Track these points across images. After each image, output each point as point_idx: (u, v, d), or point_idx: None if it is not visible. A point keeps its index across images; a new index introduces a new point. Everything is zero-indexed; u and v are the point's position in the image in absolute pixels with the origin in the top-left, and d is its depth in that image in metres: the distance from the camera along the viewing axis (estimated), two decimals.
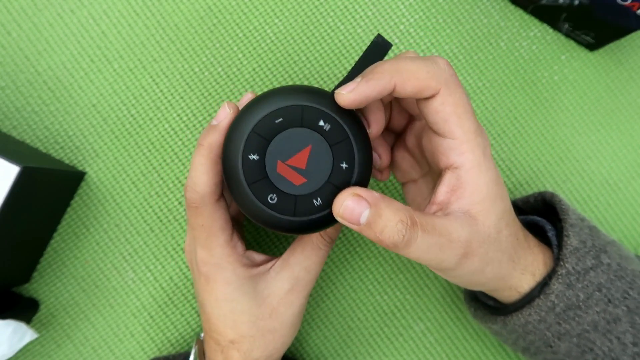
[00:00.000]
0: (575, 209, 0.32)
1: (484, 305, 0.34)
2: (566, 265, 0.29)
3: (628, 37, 0.41)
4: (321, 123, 0.26)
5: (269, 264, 0.31)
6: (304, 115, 0.26)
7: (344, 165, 0.26)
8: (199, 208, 0.29)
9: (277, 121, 0.26)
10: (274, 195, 0.26)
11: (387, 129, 0.33)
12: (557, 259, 0.29)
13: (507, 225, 0.27)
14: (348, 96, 0.25)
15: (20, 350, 0.37)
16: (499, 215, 0.27)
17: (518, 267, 0.29)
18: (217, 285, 0.30)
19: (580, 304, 0.29)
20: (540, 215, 0.34)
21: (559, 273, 0.28)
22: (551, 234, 0.31)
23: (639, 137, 0.41)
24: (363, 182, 0.27)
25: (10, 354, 0.32)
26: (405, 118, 0.32)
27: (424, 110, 0.26)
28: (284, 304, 0.30)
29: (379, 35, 0.27)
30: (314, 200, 0.26)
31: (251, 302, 0.30)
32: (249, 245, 0.39)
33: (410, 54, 0.28)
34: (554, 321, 0.29)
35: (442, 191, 0.27)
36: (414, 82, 0.25)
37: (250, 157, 0.26)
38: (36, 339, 0.37)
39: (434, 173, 0.32)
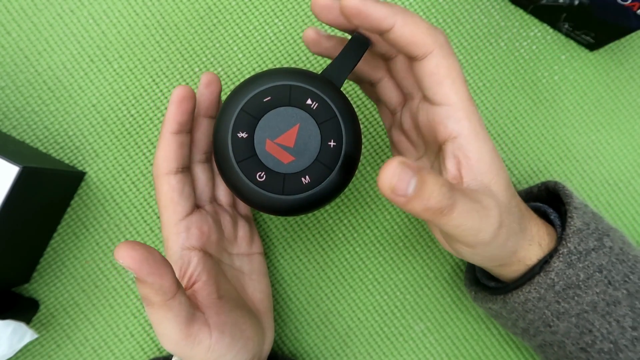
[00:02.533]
0: (578, 196, 0.32)
1: (484, 287, 0.35)
2: (568, 244, 0.29)
3: (628, 37, 0.41)
4: (309, 102, 0.26)
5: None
6: (291, 94, 0.26)
7: (331, 144, 0.26)
8: (155, 179, 0.30)
9: (265, 100, 0.26)
10: (263, 173, 0.26)
11: (386, 108, 0.33)
12: (560, 239, 0.30)
13: (513, 195, 0.28)
14: (352, 2, 0.25)
15: (20, 351, 0.37)
16: (507, 184, 0.27)
17: (526, 238, 0.29)
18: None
19: (580, 283, 0.29)
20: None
21: (561, 252, 0.29)
22: (554, 216, 0.31)
23: (639, 136, 0.41)
24: (351, 160, 0.27)
25: (10, 354, 0.32)
26: (400, 96, 0.32)
27: (419, 73, 0.27)
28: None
29: (357, 32, 0.28)
30: (302, 179, 0.26)
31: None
32: None
33: None
34: (553, 299, 0.29)
35: (451, 164, 0.27)
36: (413, 29, 0.25)
37: (239, 135, 0.26)
38: (36, 339, 0.37)
39: (430, 154, 0.32)
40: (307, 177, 0.26)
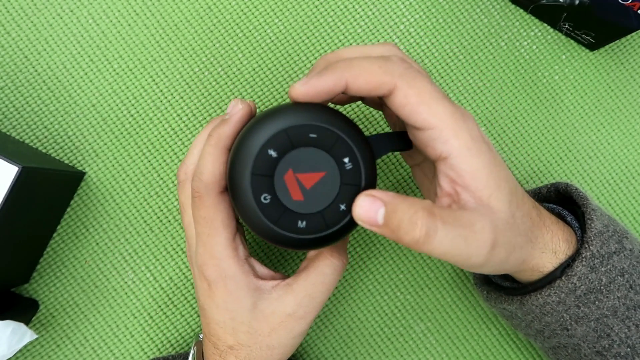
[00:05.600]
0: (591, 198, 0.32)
1: (497, 287, 0.34)
2: (590, 247, 0.28)
3: (628, 37, 0.41)
4: (346, 160, 0.26)
5: (271, 283, 0.30)
6: (336, 145, 0.26)
7: (342, 206, 0.26)
8: (203, 197, 0.28)
9: (310, 135, 0.25)
10: (269, 196, 0.26)
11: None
12: (581, 241, 0.29)
13: (518, 207, 0.27)
14: (300, 88, 0.25)
15: (20, 351, 0.37)
16: (508, 197, 0.26)
17: (537, 247, 0.28)
18: (218, 292, 0.29)
19: (602, 288, 0.28)
20: None
21: (583, 255, 0.28)
22: (570, 218, 0.31)
23: (639, 136, 0.41)
24: (349, 227, 0.26)
25: (10, 354, 0.32)
26: None
27: (393, 108, 0.26)
28: (284, 328, 0.29)
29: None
30: (299, 221, 0.26)
31: (251, 316, 0.29)
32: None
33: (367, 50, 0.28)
34: (573, 304, 0.28)
35: (445, 182, 0.26)
36: (367, 77, 0.25)
37: (269, 151, 0.25)
38: (35, 340, 0.37)
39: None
40: (304, 222, 0.26)
